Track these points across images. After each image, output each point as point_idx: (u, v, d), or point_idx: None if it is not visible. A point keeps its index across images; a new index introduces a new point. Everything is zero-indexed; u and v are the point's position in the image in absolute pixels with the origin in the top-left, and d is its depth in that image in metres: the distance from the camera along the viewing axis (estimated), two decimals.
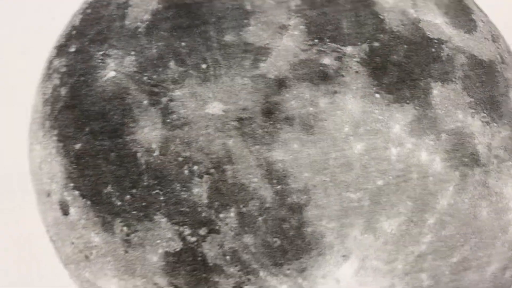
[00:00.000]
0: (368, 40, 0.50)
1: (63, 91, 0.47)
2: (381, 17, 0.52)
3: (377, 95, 0.48)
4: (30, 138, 0.46)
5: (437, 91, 0.48)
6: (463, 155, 0.46)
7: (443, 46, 0.50)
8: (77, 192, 0.44)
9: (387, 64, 0.50)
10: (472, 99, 0.48)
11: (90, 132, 0.46)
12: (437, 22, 0.51)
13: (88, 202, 0.44)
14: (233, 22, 0.51)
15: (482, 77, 0.49)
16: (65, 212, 0.43)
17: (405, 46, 0.50)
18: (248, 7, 0.51)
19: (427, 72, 0.49)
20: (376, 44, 0.50)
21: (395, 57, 0.50)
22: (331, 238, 0.43)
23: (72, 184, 0.44)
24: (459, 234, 0.44)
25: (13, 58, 0.47)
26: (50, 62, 0.49)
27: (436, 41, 0.50)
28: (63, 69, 0.48)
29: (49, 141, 0.46)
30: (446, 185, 0.45)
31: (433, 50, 0.50)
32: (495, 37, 0.51)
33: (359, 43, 0.50)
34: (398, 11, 0.52)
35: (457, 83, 0.49)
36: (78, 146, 0.46)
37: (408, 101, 0.48)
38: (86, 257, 0.42)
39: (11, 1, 0.49)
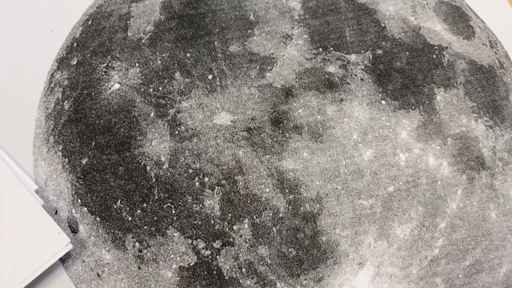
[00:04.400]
0: (371, 48, 0.51)
1: (67, 105, 0.46)
2: (383, 25, 0.52)
3: (383, 102, 0.49)
4: (34, 154, 0.44)
5: (440, 96, 0.49)
6: (469, 159, 0.47)
7: (444, 52, 0.51)
8: (85, 209, 0.43)
9: (391, 71, 0.50)
10: (475, 104, 0.49)
11: (97, 146, 0.45)
12: (436, 29, 0.52)
13: (98, 219, 0.43)
14: (237, 32, 0.51)
15: (482, 82, 0.50)
16: (74, 230, 0.42)
17: (407, 53, 0.51)
18: (252, 18, 0.51)
19: (430, 78, 0.50)
20: (379, 51, 0.51)
21: (398, 64, 0.50)
22: (345, 246, 0.43)
23: (80, 201, 0.43)
24: (470, 237, 0.44)
25: (13, 72, 0.45)
26: (52, 75, 0.47)
27: (436, 47, 0.51)
28: (65, 82, 0.47)
29: (54, 156, 0.45)
30: (455, 188, 0.46)
31: (434, 56, 0.51)
32: (493, 43, 0.53)
33: (363, 51, 0.51)
34: (399, 19, 0.53)
35: (459, 88, 0.50)
36: (84, 161, 0.44)
37: (413, 107, 0.48)
38: (98, 275, 0.41)
39: (8, 13, 0.48)
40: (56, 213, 0.42)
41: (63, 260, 0.41)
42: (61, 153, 0.45)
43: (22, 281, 0.39)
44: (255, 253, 0.43)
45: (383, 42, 0.51)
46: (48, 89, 0.47)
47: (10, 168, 0.42)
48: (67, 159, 0.44)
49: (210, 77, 0.48)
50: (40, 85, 0.47)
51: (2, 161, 0.42)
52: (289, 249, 0.43)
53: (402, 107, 0.48)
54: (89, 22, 0.50)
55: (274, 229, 0.43)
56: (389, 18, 0.53)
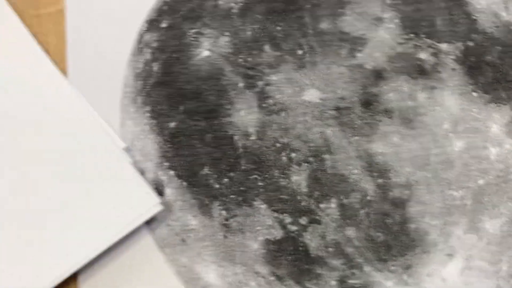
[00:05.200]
0: (462, 39, 0.50)
1: (155, 66, 0.45)
2: (474, 17, 0.51)
3: (474, 94, 0.47)
4: (121, 113, 0.43)
5: None
6: None
7: None
8: (172, 172, 0.42)
9: (482, 64, 0.49)
10: None
11: (185, 111, 0.44)
12: None
13: (185, 183, 0.41)
14: (328, 10, 0.49)
15: None
16: (160, 193, 0.41)
17: (499, 47, 0.50)
18: None
19: None
20: (470, 43, 0.50)
21: (489, 57, 0.49)
22: (434, 235, 0.42)
23: (167, 163, 0.42)
24: None
25: (102, 29, 0.44)
26: (141, 36, 0.46)
27: None
28: (155, 44, 0.46)
29: (142, 117, 0.43)
30: None
31: None
32: None
33: (454, 41, 0.50)
34: (490, 13, 0.52)
35: None
36: (172, 124, 0.43)
37: (504, 102, 0.47)
38: (183, 240, 0.40)
39: None
40: (142, 174, 0.41)
41: (147, 222, 0.40)
42: (148, 114, 0.44)
43: (109, 239, 0.37)
44: (342, 233, 0.41)
45: (474, 35, 0.50)
46: (137, 49, 0.46)
47: (99, 124, 0.41)
48: (155, 121, 0.43)
49: (300, 52, 0.47)
50: (129, 45, 0.46)
51: (92, 117, 0.41)
52: (377, 233, 0.41)
53: (493, 101, 0.47)
54: None
55: (362, 211, 0.42)
56: (480, 12, 0.52)
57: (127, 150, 0.41)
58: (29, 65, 0.43)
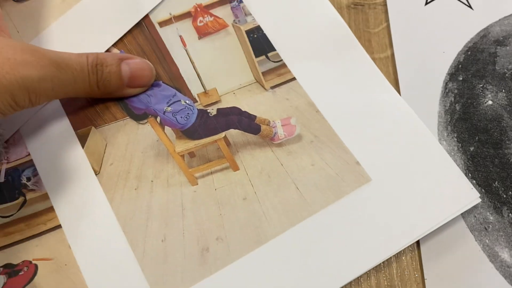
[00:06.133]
0: None
1: (457, 107, 0.65)
2: None
3: None
4: (438, 135, 0.63)
5: None
6: None
7: None
8: (474, 181, 0.60)
9: None
10: None
11: (479, 141, 0.63)
12: None
13: (483, 190, 0.60)
14: None
15: None
16: None
17: None
18: None
19: None
20: None
21: None
22: None
23: (470, 175, 0.61)
24: None
25: (417, 74, 0.64)
26: (446, 83, 0.66)
27: None
28: (455, 91, 0.66)
29: (452, 140, 0.63)
30: None
31: None
32: None
33: None
34: None
35: None
36: (471, 148, 0.62)
37: None
38: (485, 228, 0.58)
39: (416, 31, 0.67)
40: None
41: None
42: (456, 139, 0.63)
43: (439, 222, 0.56)
44: None
45: None
46: (444, 92, 0.66)
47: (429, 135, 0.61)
48: (460, 144, 0.62)
49: None
50: (439, 89, 0.66)
51: (425, 128, 0.61)
52: None
53: None
54: (469, 53, 0.69)
55: None
56: None
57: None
58: (377, 89, 0.63)
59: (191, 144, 0.58)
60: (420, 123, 0.61)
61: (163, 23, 0.65)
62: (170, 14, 0.66)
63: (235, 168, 0.57)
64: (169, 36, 0.65)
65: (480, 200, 0.58)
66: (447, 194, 0.57)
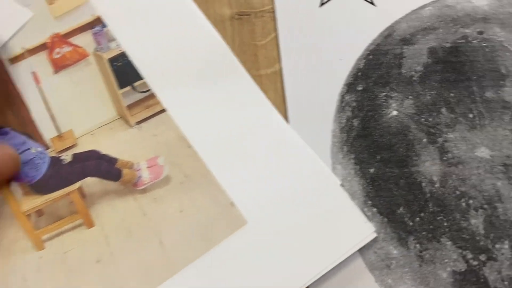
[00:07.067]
0: None
1: (355, 122, 0.56)
2: None
3: None
4: (331, 158, 0.54)
5: None
6: None
7: None
8: (375, 209, 0.52)
9: None
10: None
11: (381, 160, 0.54)
12: None
13: (385, 219, 0.52)
14: (491, 81, 0.59)
15: None
16: None
17: None
18: (503, 71, 0.60)
19: None
20: None
21: None
22: None
23: (370, 202, 0.52)
24: None
25: (310, 88, 0.56)
26: (342, 96, 0.58)
27: None
28: (354, 104, 0.57)
29: (348, 162, 0.54)
30: None
31: None
32: None
33: None
34: None
35: None
36: (372, 170, 0.54)
37: None
38: (388, 266, 0.50)
39: (307, 40, 0.59)
40: None
41: (359, 248, 0.50)
42: (353, 161, 0.54)
43: (332, 261, 0.48)
44: None
45: None
46: (340, 107, 0.57)
47: (318, 164, 0.52)
48: (358, 166, 0.54)
49: (470, 116, 0.57)
50: (333, 104, 0.57)
51: (312, 157, 0.52)
52: None
53: None
54: (370, 57, 0.60)
55: None
56: None
57: (342, 186, 0.52)
58: (260, 115, 0.55)
59: (39, 201, 0.51)
60: (307, 150, 0.53)
61: (14, 59, 0.57)
62: (23, 48, 0.58)
63: (90, 224, 0.49)
64: (21, 74, 0.57)
65: (376, 234, 0.49)
66: (338, 231, 0.49)
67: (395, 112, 0.57)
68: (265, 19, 0.62)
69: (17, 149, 0.52)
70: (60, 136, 0.54)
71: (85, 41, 0.58)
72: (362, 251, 0.50)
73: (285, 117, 0.56)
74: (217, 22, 0.61)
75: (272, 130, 0.54)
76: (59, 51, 0.58)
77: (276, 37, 0.61)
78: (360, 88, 0.58)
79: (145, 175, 0.51)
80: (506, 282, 0.49)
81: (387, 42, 0.61)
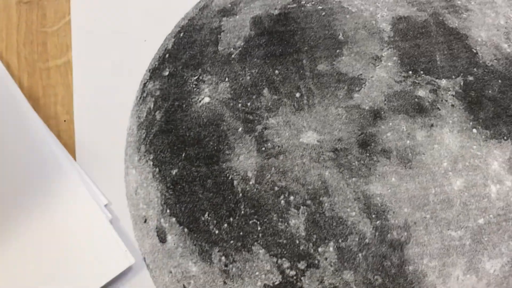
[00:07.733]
0: (462, 74, 0.50)
1: (158, 115, 0.47)
2: (474, 51, 0.51)
3: (474, 130, 0.47)
4: (125, 162, 0.45)
5: None
6: None
7: None
8: (174, 219, 0.43)
9: (482, 98, 0.49)
10: None
11: (186, 158, 0.46)
12: None
13: (186, 230, 0.43)
14: (325, 51, 0.50)
15: None
16: (162, 240, 0.43)
17: (500, 81, 0.50)
18: (341, 37, 0.51)
19: None
20: (470, 78, 0.50)
21: (490, 92, 0.49)
22: (433, 277, 0.42)
23: (168, 211, 0.44)
24: None
25: (106, 80, 0.46)
26: (144, 85, 0.48)
27: None
28: (157, 93, 0.48)
29: (145, 165, 0.45)
30: None
31: None
32: None
33: (453, 77, 0.50)
34: (491, 46, 0.51)
35: None
36: (174, 171, 0.45)
37: (505, 137, 0.47)
38: (184, 287, 0.41)
39: (104, 22, 0.49)
40: (145, 221, 0.43)
41: (150, 269, 0.42)
42: (151, 163, 0.46)
43: None
44: (340, 277, 0.42)
45: (475, 69, 0.50)
46: (140, 98, 0.48)
47: (83, 182, 0.43)
48: (157, 169, 0.45)
49: (297, 95, 0.48)
50: (133, 94, 0.48)
51: (77, 174, 0.43)
52: (375, 277, 0.42)
53: (493, 136, 0.47)
54: (181, 34, 0.51)
55: (360, 254, 0.43)
56: (481, 44, 0.51)
57: (108, 206, 0.43)
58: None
59: None
60: (65, 164, 0.43)
61: None
62: None
63: None
64: None
65: (130, 263, 0.41)
66: (95, 263, 0.40)
67: (207, 99, 0.48)
68: (60, 1, 0.52)
69: None
70: None
71: None
72: (153, 273, 0.42)
73: (72, 117, 0.47)
74: (0, 10, 0.51)
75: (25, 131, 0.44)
76: None
77: (70, 21, 0.51)
78: (166, 73, 0.49)
79: None
80: None
81: (203, 16, 0.52)
